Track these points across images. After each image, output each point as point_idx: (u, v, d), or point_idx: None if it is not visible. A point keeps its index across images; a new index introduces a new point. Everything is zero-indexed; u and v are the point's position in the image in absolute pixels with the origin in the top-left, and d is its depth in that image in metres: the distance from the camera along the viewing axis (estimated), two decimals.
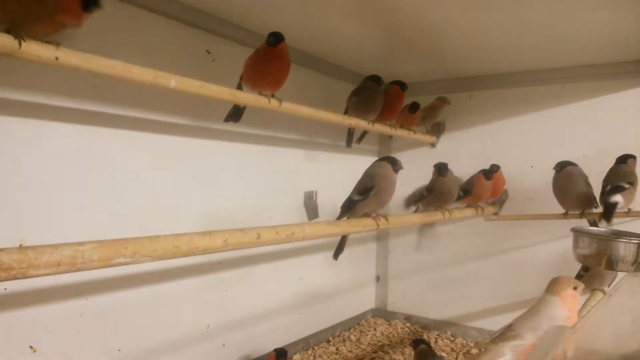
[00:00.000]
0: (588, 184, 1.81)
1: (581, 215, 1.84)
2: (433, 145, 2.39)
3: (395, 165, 1.45)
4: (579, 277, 1.82)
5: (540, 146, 2.10)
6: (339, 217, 1.47)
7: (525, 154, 2.13)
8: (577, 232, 1.68)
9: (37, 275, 0.70)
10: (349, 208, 1.44)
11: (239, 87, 1.43)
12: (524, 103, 2.16)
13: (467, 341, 2.21)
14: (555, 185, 1.85)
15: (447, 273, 2.36)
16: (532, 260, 2.08)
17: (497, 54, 1.92)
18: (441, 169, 1.79)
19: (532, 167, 2.09)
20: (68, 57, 0.93)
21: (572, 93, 2.05)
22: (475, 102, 2.29)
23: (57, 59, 0.91)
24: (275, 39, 1.36)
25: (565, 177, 1.82)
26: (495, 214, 2.13)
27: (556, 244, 1.99)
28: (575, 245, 1.66)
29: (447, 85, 2.34)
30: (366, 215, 1.45)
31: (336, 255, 1.58)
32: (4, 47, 0.84)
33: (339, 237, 1.57)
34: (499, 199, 2.14)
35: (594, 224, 1.87)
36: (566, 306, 1.09)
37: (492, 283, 2.22)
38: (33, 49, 0.88)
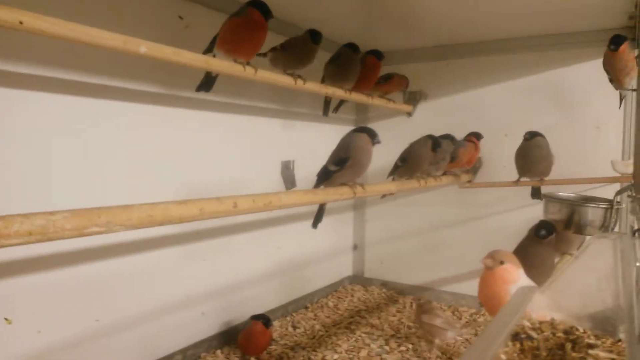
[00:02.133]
0: (551, 154, 1.85)
1: (540, 181, 1.88)
2: (409, 114, 2.39)
3: (374, 138, 1.44)
4: None
5: (515, 114, 2.12)
6: (316, 186, 1.47)
7: (499, 123, 2.16)
8: (548, 198, 1.72)
9: (8, 245, 0.69)
10: (326, 178, 1.44)
11: (209, 51, 1.39)
12: (500, 71, 2.17)
13: (441, 305, 2.27)
14: (523, 153, 1.87)
15: (422, 240, 2.40)
16: (504, 226, 2.13)
17: (474, 22, 1.91)
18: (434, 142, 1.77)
19: (506, 135, 2.12)
20: (34, 20, 0.88)
21: (548, 61, 2.06)
22: (452, 71, 2.30)
23: (21, 22, 0.86)
24: (268, 13, 1.36)
25: (535, 146, 1.84)
26: (469, 181, 2.16)
27: (528, 210, 2.04)
28: (546, 210, 1.71)
29: (424, 53, 2.33)
30: (343, 184, 1.45)
31: (315, 224, 1.59)
32: None
33: (317, 207, 1.58)
34: (473, 167, 2.17)
35: (536, 191, 1.92)
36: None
37: (465, 249, 2.27)
38: None
